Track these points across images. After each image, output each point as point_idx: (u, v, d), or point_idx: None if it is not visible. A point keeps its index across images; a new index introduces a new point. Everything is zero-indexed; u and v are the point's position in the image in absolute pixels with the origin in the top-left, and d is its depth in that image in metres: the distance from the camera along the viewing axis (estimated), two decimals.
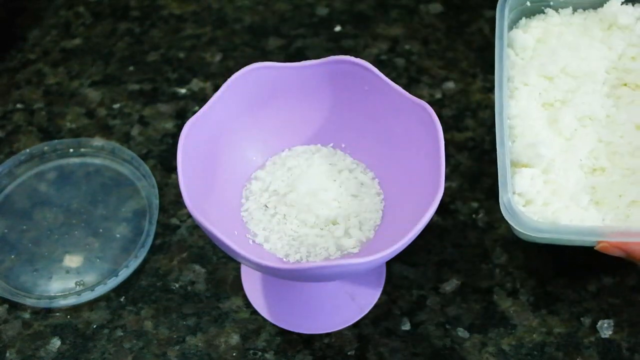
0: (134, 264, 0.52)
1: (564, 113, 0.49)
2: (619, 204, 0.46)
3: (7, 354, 0.49)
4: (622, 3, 0.53)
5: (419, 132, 0.45)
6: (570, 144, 0.48)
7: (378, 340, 0.49)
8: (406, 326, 0.50)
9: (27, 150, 0.58)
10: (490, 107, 0.60)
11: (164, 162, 0.58)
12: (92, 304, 0.51)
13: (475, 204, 0.55)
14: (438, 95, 0.62)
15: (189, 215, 0.55)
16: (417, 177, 0.45)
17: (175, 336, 0.50)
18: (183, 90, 0.63)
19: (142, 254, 0.53)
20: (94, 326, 0.50)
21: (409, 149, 0.46)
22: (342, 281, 0.51)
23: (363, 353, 0.49)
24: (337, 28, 0.67)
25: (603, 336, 0.49)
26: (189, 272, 0.53)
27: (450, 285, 0.52)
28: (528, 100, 0.50)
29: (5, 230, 0.55)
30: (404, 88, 0.46)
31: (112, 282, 0.51)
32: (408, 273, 0.52)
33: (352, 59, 0.46)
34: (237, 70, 0.46)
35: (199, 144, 0.45)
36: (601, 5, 0.54)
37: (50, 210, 0.56)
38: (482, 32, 0.66)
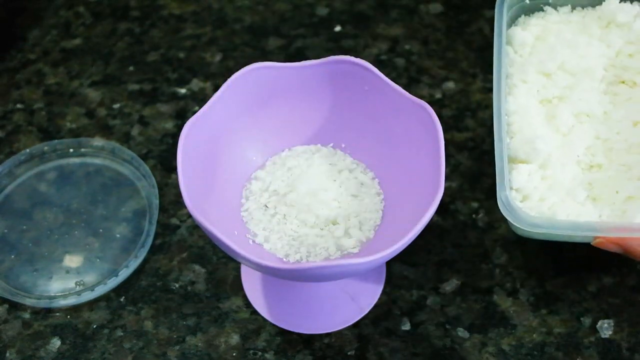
0: (134, 264, 0.52)
1: (562, 109, 0.50)
2: (616, 199, 0.46)
3: (7, 354, 0.49)
4: (620, 1, 0.54)
5: (419, 132, 0.45)
6: (567, 140, 0.49)
7: (378, 340, 0.49)
8: (406, 326, 0.50)
9: (27, 150, 0.58)
10: (490, 107, 0.60)
11: (164, 162, 0.58)
12: (92, 304, 0.51)
13: (475, 204, 0.55)
14: (438, 95, 0.62)
15: (189, 215, 0.55)
16: (417, 177, 0.45)
17: (175, 336, 0.50)
18: (183, 90, 0.63)
19: (142, 254, 0.53)
20: (94, 326, 0.51)
21: (409, 149, 0.46)
22: (342, 281, 0.51)
23: (363, 353, 0.49)
24: (337, 28, 0.67)
25: (603, 336, 0.49)
26: (189, 272, 0.53)
27: (450, 285, 0.52)
28: (526, 97, 0.50)
29: (5, 230, 0.55)
30: (404, 88, 0.46)
31: (112, 282, 0.51)
32: (408, 273, 0.52)
33: (352, 59, 0.46)
34: (237, 70, 0.46)
35: (199, 144, 0.45)
36: (599, 3, 0.54)
37: (50, 210, 0.56)
38: (482, 32, 0.66)
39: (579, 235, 0.45)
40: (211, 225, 0.40)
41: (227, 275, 0.52)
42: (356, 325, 0.50)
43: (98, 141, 0.58)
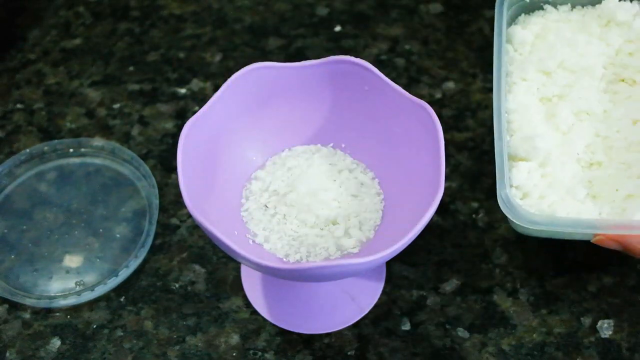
0: (134, 264, 0.52)
1: (562, 108, 0.50)
2: (615, 197, 0.46)
3: (7, 354, 0.49)
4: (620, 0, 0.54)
5: (419, 132, 0.45)
6: (567, 138, 0.49)
7: (378, 340, 0.49)
8: (406, 326, 0.50)
9: (27, 150, 0.58)
10: (490, 106, 0.60)
11: (164, 162, 0.58)
12: (92, 304, 0.51)
13: (475, 204, 0.55)
14: (438, 95, 0.62)
15: (189, 215, 0.55)
16: (417, 177, 0.45)
17: (175, 336, 0.50)
18: (183, 90, 0.63)
19: (142, 254, 0.53)
20: (94, 326, 0.50)
21: (409, 149, 0.46)
22: (342, 281, 0.51)
23: (363, 353, 0.49)
24: (337, 28, 0.67)
25: (603, 336, 0.49)
26: (189, 272, 0.53)
27: (450, 285, 0.52)
28: (526, 95, 0.50)
29: (5, 230, 0.55)
30: (404, 88, 0.46)
31: (112, 282, 0.51)
32: (408, 273, 0.52)
33: (352, 59, 0.46)
34: (237, 70, 0.46)
35: (199, 144, 0.45)
36: (599, 1, 0.54)
37: (50, 210, 0.56)
38: (482, 32, 0.66)
39: (578, 233, 0.45)
40: (211, 225, 0.40)
41: (227, 275, 0.52)
42: (356, 325, 0.50)
43: (98, 141, 0.58)
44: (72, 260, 0.53)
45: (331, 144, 0.50)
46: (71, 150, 0.58)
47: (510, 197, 0.44)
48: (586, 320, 0.50)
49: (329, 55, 0.47)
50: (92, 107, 0.62)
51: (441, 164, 0.42)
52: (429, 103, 0.44)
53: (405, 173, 0.47)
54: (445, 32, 0.66)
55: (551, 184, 0.47)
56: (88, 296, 0.51)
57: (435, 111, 0.44)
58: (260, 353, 0.49)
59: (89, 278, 0.52)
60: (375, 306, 0.51)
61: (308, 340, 0.49)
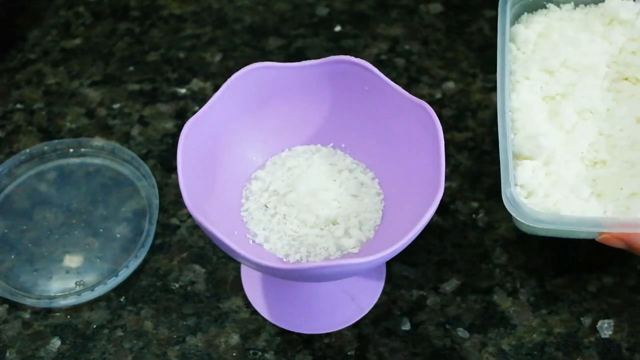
0: (134, 264, 0.52)
1: (565, 106, 0.50)
2: (619, 196, 0.46)
3: (7, 354, 0.49)
4: None
5: (419, 132, 0.45)
6: (570, 137, 0.49)
7: (378, 340, 0.49)
8: (406, 326, 0.50)
9: (27, 150, 0.58)
10: (490, 106, 0.60)
11: (164, 162, 0.58)
12: (92, 304, 0.51)
13: (475, 204, 0.55)
14: (438, 95, 0.62)
15: (189, 215, 0.55)
16: (417, 177, 0.45)
17: (175, 336, 0.50)
18: (183, 90, 0.63)
19: (142, 254, 0.53)
20: (94, 326, 0.51)
21: (409, 149, 0.46)
22: (342, 281, 0.51)
23: (363, 353, 0.49)
24: (337, 28, 0.67)
25: (603, 336, 0.49)
26: (189, 272, 0.53)
27: (450, 285, 0.52)
28: (529, 94, 0.50)
29: (5, 230, 0.55)
30: (404, 88, 0.46)
31: (112, 282, 0.51)
32: (408, 273, 0.52)
33: (352, 59, 0.46)
34: (237, 70, 0.46)
35: (199, 144, 0.45)
36: (602, 0, 0.54)
37: (50, 210, 0.56)
38: (482, 32, 0.66)
39: (583, 231, 0.45)
40: (211, 225, 0.40)
41: (227, 275, 0.52)
42: (356, 325, 0.50)
43: (98, 141, 0.58)
44: (72, 260, 0.53)
45: (331, 144, 0.50)
46: (71, 150, 0.58)
47: (515, 195, 0.44)
48: (586, 320, 0.50)
49: (329, 55, 0.47)
50: (92, 107, 0.62)
51: (441, 164, 0.42)
52: (429, 103, 0.44)
53: (405, 173, 0.47)
54: (445, 32, 0.66)
55: (555, 182, 0.47)
56: (88, 296, 0.51)
57: (435, 111, 0.44)
58: (260, 353, 0.49)
59: (89, 278, 0.52)
60: (375, 306, 0.51)
61: (308, 340, 0.49)
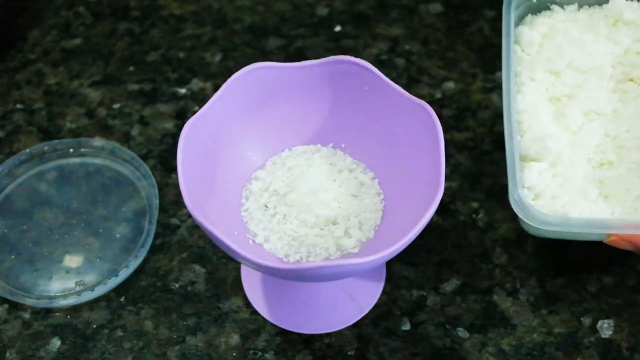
0: (134, 264, 0.52)
1: (571, 108, 0.50)
2: (627, 197, 0.46)
3: (7, 354, 0.49)
4: None
5: (419, 132, 0.45)
6: (577, 138, 0.49)
7: (378, 340, 0.49)
8: (406, 326, 0.50)
9: (27, 150, 0.58)
10: (491, 107, 0.60)
11: (164, 162, 0.58)
12: (92, 304, 0.51)
13: (475, 204, 0.55)
14: (438, 95, 0.62)
15: (189, 215, 0.55)
16: (417, 177, 0.45)
17: (175, 336, 0.50)
18: (183, 90, 0.63)
19: (142, 254, 0.53)
20: (94, 326, 0.51)
21: (409, 149, 0.46)
22: (342, 281, 0.51)
23: (363, 353, 0.49)
24: (337, 28, 0.67)
25: (603, 336, 0.49)
26: (189, 272, 0.53)
27: (450, 285, 0.52)
28: (535, 95, 0.50)
29: (5, 230, 0.55)
30: (404, 88, 0.46)
31: (112, 282, 0.51)
32: (408, 273, 0.52)
33: (352, 59, 0.46)
34: (237, 70, 0.46)
35: (199, 144, 0.45)
36: (606, 1, 0.54)
37: (50, 210, 0.56)
38: (482, 32, 0.66)
39: (591, 233, 0.45)
40: (211, 225, 0.40)
41: (227, 275, 0.52)
42: (356, 325, 0.50)
43: (98, 141, 0.58)
44: (72, 260, 0.53)
45: (331, 144, 0.50)
46: (71, 150, 0.58)
47: (523, 197, 0.44)
48: (586, 320, 0.50)
49: (329, 55, 0.47)
50: (92, 107, 0.62)
51: (441, 164, 0.42)
52: (429, 103, 0.44)
53: (405, 173, 0.47)
54: (445, 32, 0.66)
55: (562, 184, 0.47)
56: (88, 296, 0.51)
57: (435, 111, 0.44)
58: (260, 353, 0.49)
59: (89, 278, 0.52)
60: (375, 306, 0.51)
61: (308, 340, 0.49)
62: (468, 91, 0.62)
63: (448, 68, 0.63)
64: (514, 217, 0.53)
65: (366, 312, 0.50)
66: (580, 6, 0.55)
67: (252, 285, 0.51)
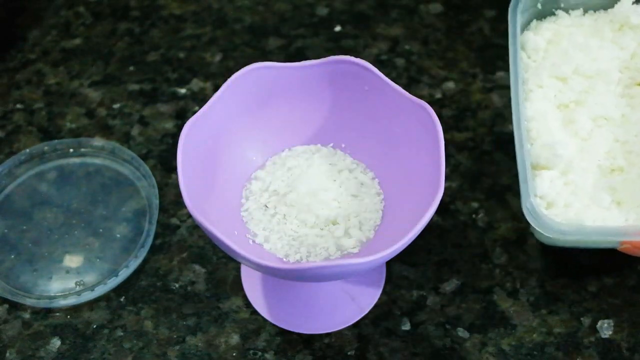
0: (134, 264, 0.52)
1: (579, 114, 0.49)
2: None
3: (7, 354, 0.49)
4: (633, 3, 0.53)
5: (419, 132, 0.45)
6: (587, 145, 0.48)
7: (378, 340, 0.49)
8: (406, 326, 0.50)
9: (27, 150, 0.58)
10: (491, 107, 0.60)
11: (164, 162, 0.58)
12: (92, 304, 0.51)
13: (475, 204, 0.55)
14: (438, 95, 0.62)
15: (189, 215, 0.55)
16: (417, 177, 0.45)
17: (175, 336, 0.50)
18: (183, 90, 0.63)
19: (142, 254, 0.53)
20: (94, 326, 0.51)
21: (409, 149, 0.46)
22: (342, 281, 0.51)
23: (363, 353, 0.49)
24: (337, 28, 0.67)
25: (603, 336, 0.49)
26: (189, 272, 0.53)
27: (450, 285, 0.52)
28: (543, 102, 0.50)
29: (5, 230, 0.55)
30: (404, 88, 0.46)
31: (112, 282, 0.51)
32: (408, 273, 0.52)
33: (352, 59, 0.46)
34: (237, 70, 0.46)
35: (199, 144, 0.45)
36: (612, 5, 0.54)
37: (50, 210, 0.56)
38: (482, 32, 0.66)
39: (605, 241, 0.45)
40: (211, 225, 0.40)
41: (227, 275, 0.52)
42: (356, 325, 0.50)
43: (98, 141, 0.58)
44: (72, 260, 0.53)
45: (331, 144, 0.50)
46: (71, 150, 0.58)
47: (536, 207, 0.43)
48: (586, 320, 0.50)
49: (329, 55, 0.47)
50: (92, 107, 0.62)
51: (441, 164, 0.42)
52: (429, 103, 0.44)
53: (405, 173, 0.47)
54: (445, 32, 0.66)
55: (574, 191, 0.46)
56: (88, 296, 0.51)
57: (435, 111, 0.44)
58: (260, 353, 0.49)
59: (89, 278, 0.52)
60: (375, 306, 0.51)
61: (308, 340, 0.49)
62: (468, 91, 0.62)
63: (448, 68, 0.63)
64: (514, 217, 0.54)
65: (366, 312, 0.50)
66: (585, 11, 0.54)
67: (252, 285, 0.52)
